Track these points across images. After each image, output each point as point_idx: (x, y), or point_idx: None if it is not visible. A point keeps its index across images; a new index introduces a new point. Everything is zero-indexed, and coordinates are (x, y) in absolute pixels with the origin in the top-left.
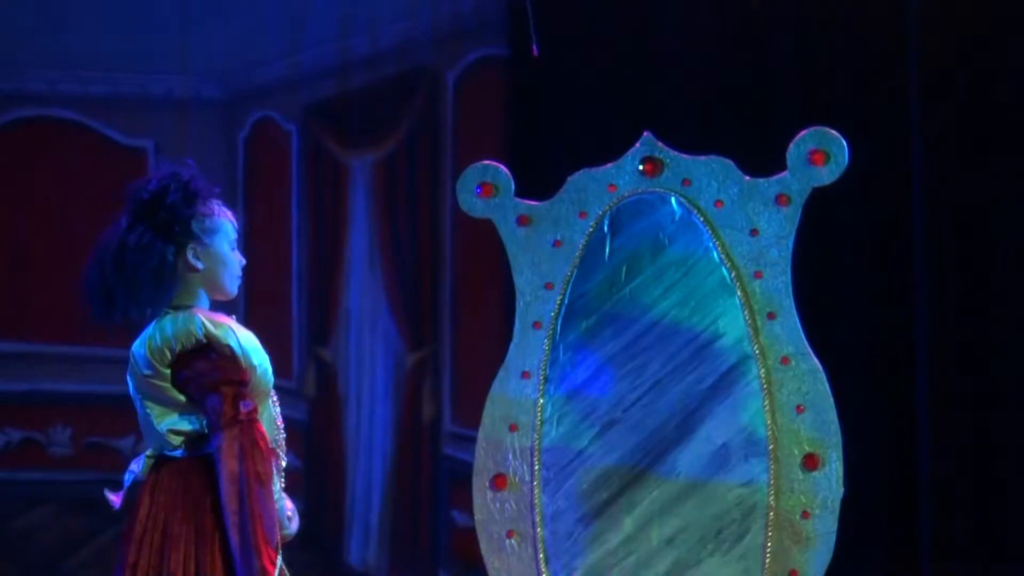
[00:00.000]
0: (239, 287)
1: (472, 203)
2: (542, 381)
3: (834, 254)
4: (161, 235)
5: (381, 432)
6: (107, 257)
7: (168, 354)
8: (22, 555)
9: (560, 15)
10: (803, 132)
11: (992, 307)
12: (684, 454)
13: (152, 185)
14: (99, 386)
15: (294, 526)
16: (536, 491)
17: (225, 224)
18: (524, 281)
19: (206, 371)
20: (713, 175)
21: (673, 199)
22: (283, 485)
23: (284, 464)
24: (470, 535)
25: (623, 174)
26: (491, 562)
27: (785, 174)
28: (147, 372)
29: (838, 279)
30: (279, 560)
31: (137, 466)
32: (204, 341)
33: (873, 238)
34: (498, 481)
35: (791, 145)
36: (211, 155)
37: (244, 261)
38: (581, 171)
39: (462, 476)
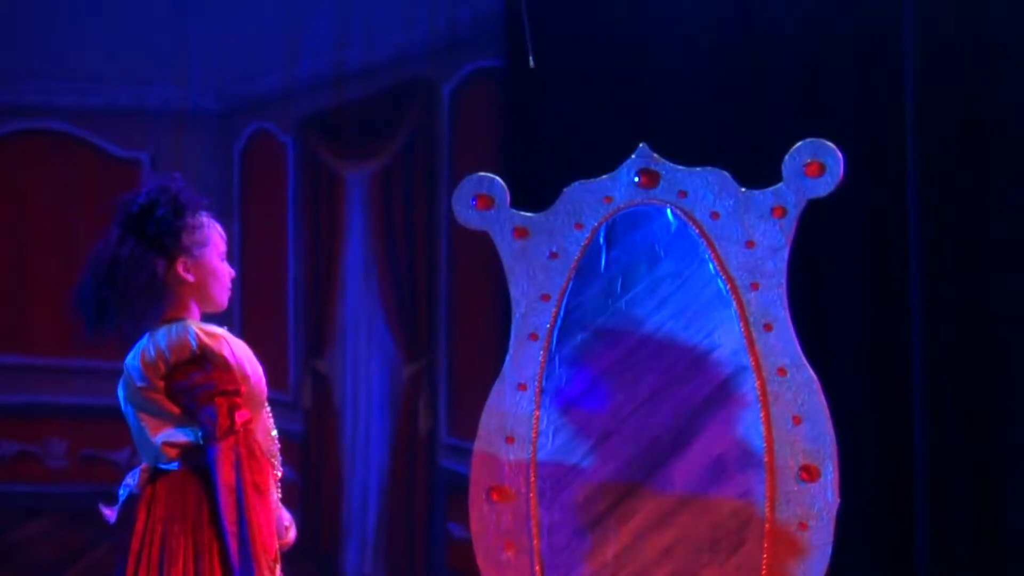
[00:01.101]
0: (232, 298)
1: (468, 215)
2: (538, 393)
3: (829, 265)
4: (152, 248)
5: (377, 444)
6: (99, 271)
7: (162, 366)
8: (17, 568)
9: (556, 27)
10: (798, 144)
11: (990, 317)
12: (680, 466)
13: (141, 198)
14: (95, 398)
15: (290, 537)
16: (532, 503)
17: (214, 236)
18: (520, 293)
19: (201, 382)
20: (709, 187)
21: (669, 211)
22: (279, 496)
23: (280, 475)
24: (467, 546)
25: (619, 185)
26: (488, 574)
27: (780, 186)
28: (141, 384)
29: (834, 290)
30: (278, 570)
31: (132, 479)
32: (198, 352)
33: (869, 249)
34: (494, 493)
35: (786, 157)
36: (207, 167)
37: (234, 272)
38: (577, 182)
39: (458, 488)
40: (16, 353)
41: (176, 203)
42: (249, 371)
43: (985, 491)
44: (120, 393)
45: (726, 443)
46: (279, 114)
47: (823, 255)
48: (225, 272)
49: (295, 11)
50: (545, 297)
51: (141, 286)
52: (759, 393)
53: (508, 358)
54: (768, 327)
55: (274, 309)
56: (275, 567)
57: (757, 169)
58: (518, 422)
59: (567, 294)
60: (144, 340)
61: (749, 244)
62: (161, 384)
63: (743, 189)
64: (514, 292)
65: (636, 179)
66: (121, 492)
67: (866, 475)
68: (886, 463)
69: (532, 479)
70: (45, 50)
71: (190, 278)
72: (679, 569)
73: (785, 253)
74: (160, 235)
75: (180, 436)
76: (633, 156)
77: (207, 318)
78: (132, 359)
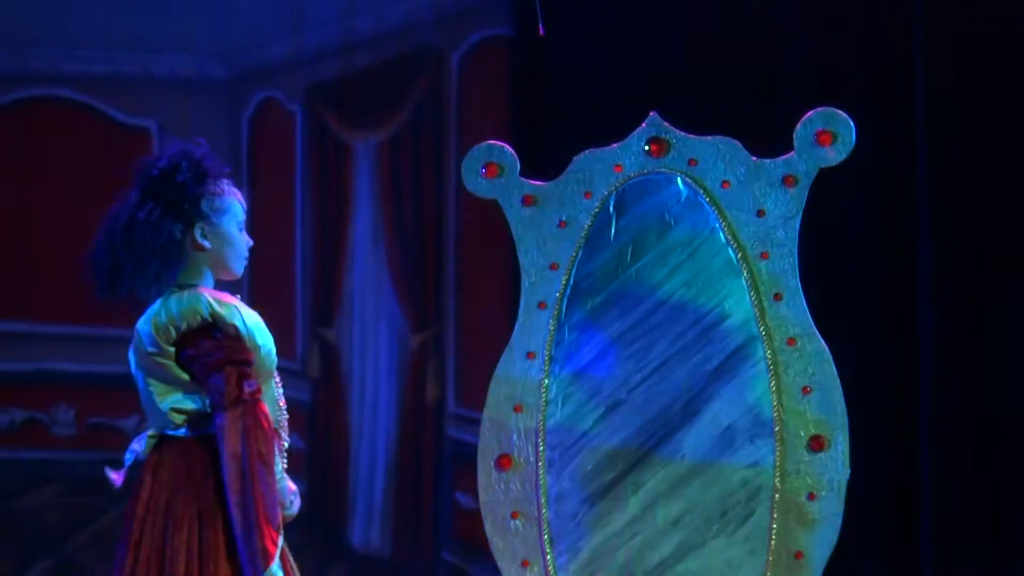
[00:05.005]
0: (244, 268)
1: (477, 183)
2: (547, 361)
3: (840, 235)
4: (170, 212)
5: (385, 413)
6: (115, 232)
7: (173, 332)
8: (25, 535)
9: None
10: (810, 113)
11: (999, 286)
12: (690, 435)
13: (163, 162)
14: (102, 366)
15: (295, 507)
16: (541, 472)
17: (234, 204)
18: (529, 261)
19: (211, 350)
20: (720, 155)
21: (679, 179)
22: (285, 466)
23: (286, 445)
24: (474, 516)
25: (629, 154)
26: (495, 543)
27: (792, 155)
28: (151, 350)
29: (844, 260)
30: (280, 540)
31: (139, 445)
32: (209, 320)
33: (880, 219)
34: (502, 462)
35: (798, 126)
36: (215, 135)
37: (251, 242)
38: (586, 151)
39: (466, 457)
40: (24, 320)
41: (198, 169)
42: (260, 341)
43: (993, 463)
44: (131, 358)
45: (736, 413)
46: (287, 82)
47: (834, 224)
48: (242, 241)
49: None
50: (554, 266)
51: (157, 249)
52: (769, 363)
53: (517, 327)
54: (779, 296)
55: (282, 278)
56: (277, 537)
57: (768, 138)
58: (527, 391)
59: (576, 263)
60: (156, 305)
61: (760, 213)
62: (171, 350)
63: (754, 158)
64: (523, 261)
65: (646, 148)
66: (127, 457)
67: (875, 445)
68: (895, 434)
69: (541, 448)
70: (52, 18)
71: (207, 245)
72: (688, 539)
73: (796, 222)
74: (179, 200)
75: (188, 403)
76: (643, 125)
77: (220, 286)
78: (143, 324)
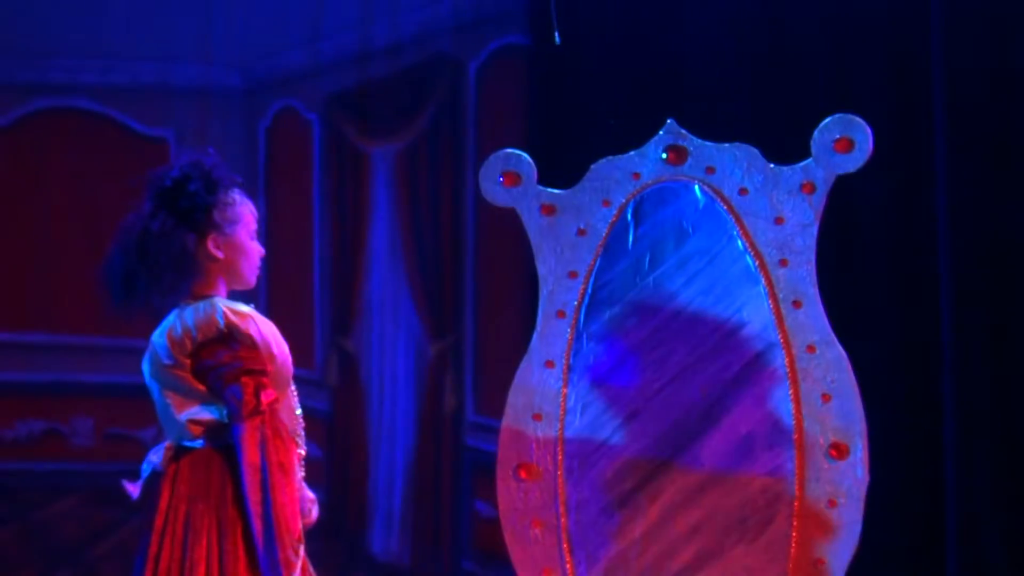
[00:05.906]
0: (259, 277)
1: (495, 192)
2: (566, 370)
3: (859, 242)
4: (183, 222)
5: (403, 422)
6: (129, 243)
7: (189, 343)
8: (44, 546)
9: (581, 3)
10: (827, 119)
11: (1018, 293)
12: (708, 443)
13: (174, 173)
14: (121, 377)
15: (313, 516)
16: (560, 481)
17: (246, 214)
18: (547, 270)
19: (227, 361)
20: (737, 163)
21: (697, 187)
22: (303, 475)
23: (303, 454)
24: (493, 525)
25: (646, 162)
26: (515, 552)
27: (809, 161)
28: (168, 362)
29: (863, 267)
30: (302, 550)
31: (156, 456)
32: (225, 331)
33: (898, 225)
34: (522, 471)
35: (815, 132)
36: (232, 145)
37: (264, 251)
38: (604, 159)
39: (485, 466)
40: (42, 331)
41: (209, 179)
42: (275, 350)
43: (1016, 467)
44: (145, 369)
45: (755, 420)
46: (304, 91)
47: (852, 231)
48: (255, 251)
49: None
50: (572, 274)
51: (170, 260)
52: (788, 370)
53: (535, 335)
54: (797, 304)
55: (300, 287)
56: (298, 547)
57: (786, 145)
58: (545, 399)
59: (595, 271)
60: (171, 317)
61: (778, 220)
62: (187, 362)
63: (772, 165)
64: (541, 269)
65: (664, 155)
66: (144, 469)
67: (897, 452)
68: (915, 440)
69: (560, 456)
70: (70, 28)
71: (219, 255)
72: (707, 547)
73: (814, 229)
74: (192, 210)
75: (205, 414)
76: (661, 132)
77: (234, 295)
78: (159, 336)
